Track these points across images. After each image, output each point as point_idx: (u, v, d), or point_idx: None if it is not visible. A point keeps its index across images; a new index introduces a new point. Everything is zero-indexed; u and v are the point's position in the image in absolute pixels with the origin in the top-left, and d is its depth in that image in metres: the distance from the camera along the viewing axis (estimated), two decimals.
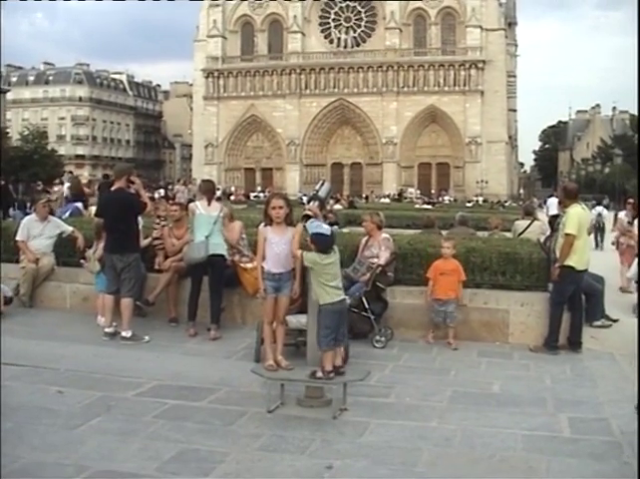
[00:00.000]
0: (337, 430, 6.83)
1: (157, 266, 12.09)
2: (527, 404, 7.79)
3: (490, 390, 8.42)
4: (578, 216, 10.36)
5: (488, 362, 9.75)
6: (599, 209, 31.93)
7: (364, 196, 75.50)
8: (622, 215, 19.62)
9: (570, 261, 10.18)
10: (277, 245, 8.14)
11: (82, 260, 12.12)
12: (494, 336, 10.78)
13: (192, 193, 33.13)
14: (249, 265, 11.00)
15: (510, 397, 8.07)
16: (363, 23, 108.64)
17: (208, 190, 11.35)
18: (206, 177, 66.18)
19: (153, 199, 17.58)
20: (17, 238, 12.77)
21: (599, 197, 60.19)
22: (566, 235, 10.20)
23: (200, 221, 10.78)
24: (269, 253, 8.19)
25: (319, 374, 7.41)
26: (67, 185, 29.24)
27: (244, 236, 11.66)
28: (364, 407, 7.50)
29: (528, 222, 15.90)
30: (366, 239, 11.18)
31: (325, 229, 7.57)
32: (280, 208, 8.22)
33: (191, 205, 11.40)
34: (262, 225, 8.42)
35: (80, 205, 20.09)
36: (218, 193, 21.51)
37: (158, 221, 12.70)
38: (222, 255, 10.86)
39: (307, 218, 7.67)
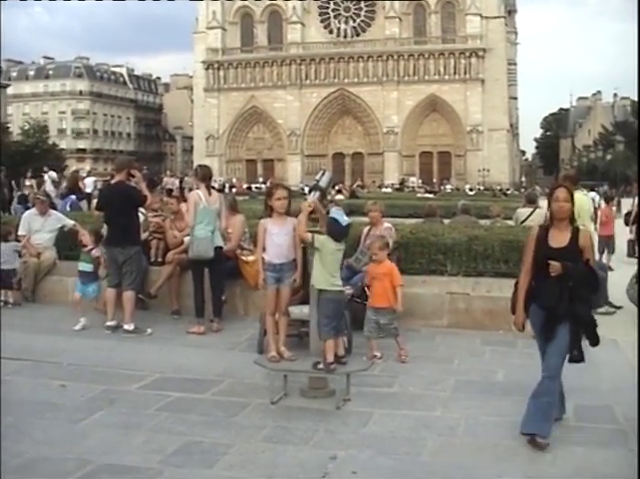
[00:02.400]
0: (341, 421, 6.81)
1: (152, 259, 12.10)
2: (531, 393, 7.76)
3: (494, 379, 8.40)
4: (577, 202, 10.32)
5: (492, 351, 9.73)
6: (592, 194, 33.28)
7: (356, 184, 74.20)
8: None
9: None
10: (278, 236, 8.12)
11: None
12: (498, 325, 10.74)
13: (189, 185, 32.87)
14: (251, 258, 10.96)
15: (514, 386, 8.04)
16: (362, 13, 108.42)
17: (207, 176, 11.00)
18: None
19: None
20: (18, 232, 12.76)
21: (595, 184, 60.93)
22: None
23: (203, 214, 10.48)
24: (270, 244, 8.16)
25: (321, 366, 7.40)
26: (49, 180, 29.37)
27: (246, 229, 11.59)
28: (367, 397, 7.49)
29: (530, 209, 15.81)
30: (368, 228, 11.14)
31: (345, 219, 7.65)
32: (285, 198, 8.21)
33: (194, 194, 10.83)
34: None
35: (74, 198, 20.29)
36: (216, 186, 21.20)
37: (150, 214, 12.56)
38: (221, 247, 10.76)
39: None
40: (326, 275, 7.56)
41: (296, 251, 8.19)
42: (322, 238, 7.61)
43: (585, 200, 10.71)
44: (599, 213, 20.56)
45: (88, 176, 34.71)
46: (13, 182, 32.04)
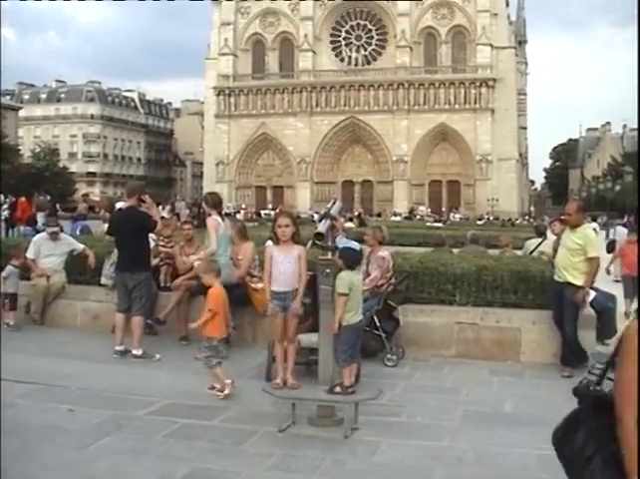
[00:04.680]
0: (348, 449, 6.79)
1: (161, 284, 12.14)
2: (540, 423, 7.68)
3: (503, 409, 8.37)
4: (588, 235, 10.29)
5: (500, 381, 9.69)
6: (593, 225, 35.58)
7: (357, 213, 73.38)
8: None
9: (580, 281, 10.05)
10: (282, 264, 8.13)
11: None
12: (506, 355, 10.73)
13: (177, 211, 33.19)
14: (259, 285, 10.97)
15: (523, 416, 8.02)
16: (374, 41, 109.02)
17: (218, 203, 11.18)
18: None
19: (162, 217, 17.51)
20: (27, 255, 12.78)
21: (596, 214, 63.81)
22: (592, 258, 10.00)
23: (222, 240, 10.56)
24: (275, 272, 8.17)
25: (337, 389, 7.40)
26: (5, 206, 29.73)
27: (256, 256, 11.61)
28: (375, 426, 7.46)
29: (540, 239, 15.79)
30: (369, 250, 11.09)
31: (354, 244, 7.69)
32: (286, 226, 8.20)
33: (213, 220, 10.77)
34: (269, 241, 8.43)
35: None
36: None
37: (162, 241, 12.57)
38: None
39: (320, 236, 7.64)
40: (354, 309, 7.58)
41: (300, 280, 8.20)
42: (344, 276, 7.57)
43: (592, 232, 10.67)
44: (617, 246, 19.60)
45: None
46: (57, 204, 32.44)
